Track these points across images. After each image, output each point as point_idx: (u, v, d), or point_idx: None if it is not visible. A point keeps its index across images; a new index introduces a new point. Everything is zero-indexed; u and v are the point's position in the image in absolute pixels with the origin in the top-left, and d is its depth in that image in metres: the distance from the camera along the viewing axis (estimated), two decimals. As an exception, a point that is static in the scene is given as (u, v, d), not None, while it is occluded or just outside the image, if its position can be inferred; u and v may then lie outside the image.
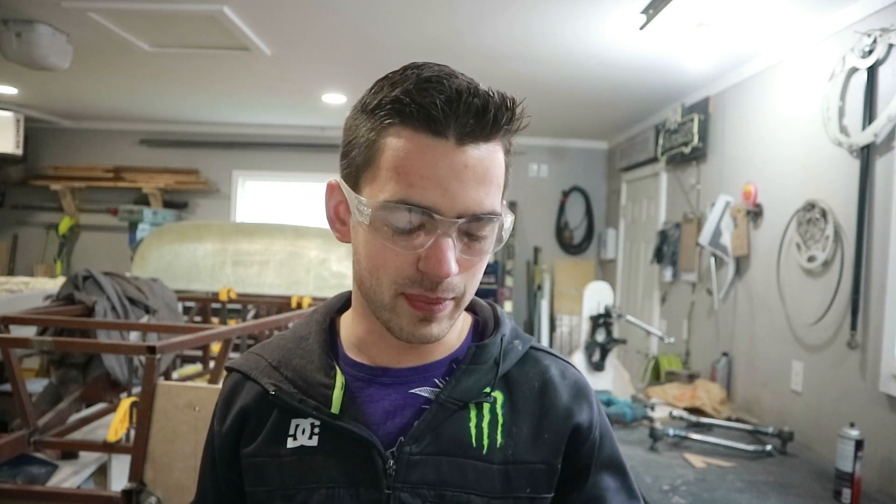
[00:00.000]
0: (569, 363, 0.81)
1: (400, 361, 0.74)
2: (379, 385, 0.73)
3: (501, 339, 0.76)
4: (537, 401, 0.75)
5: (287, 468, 0.71)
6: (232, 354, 2.34)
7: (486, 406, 0.73)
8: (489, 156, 0.65)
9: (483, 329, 0.79)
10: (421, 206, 0.63)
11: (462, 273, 0.66)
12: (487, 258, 0.70)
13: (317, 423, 0.72)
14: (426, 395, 0.73)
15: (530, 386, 0.76)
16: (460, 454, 0.70)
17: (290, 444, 0.72)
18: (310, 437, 0.72)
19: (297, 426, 0.72)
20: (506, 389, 0.75)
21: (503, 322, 0.79)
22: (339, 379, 0.72)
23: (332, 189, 0.73)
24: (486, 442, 0.71)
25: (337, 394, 0.71)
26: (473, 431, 0.71)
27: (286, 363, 0.75)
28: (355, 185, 0.68)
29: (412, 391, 0.73)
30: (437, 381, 0.73)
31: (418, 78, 0.64)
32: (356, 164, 0.68)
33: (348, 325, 0.78)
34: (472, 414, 0.72)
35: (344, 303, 0.82)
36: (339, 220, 0.73)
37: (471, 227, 0.65)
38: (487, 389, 0.73)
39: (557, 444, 0.74)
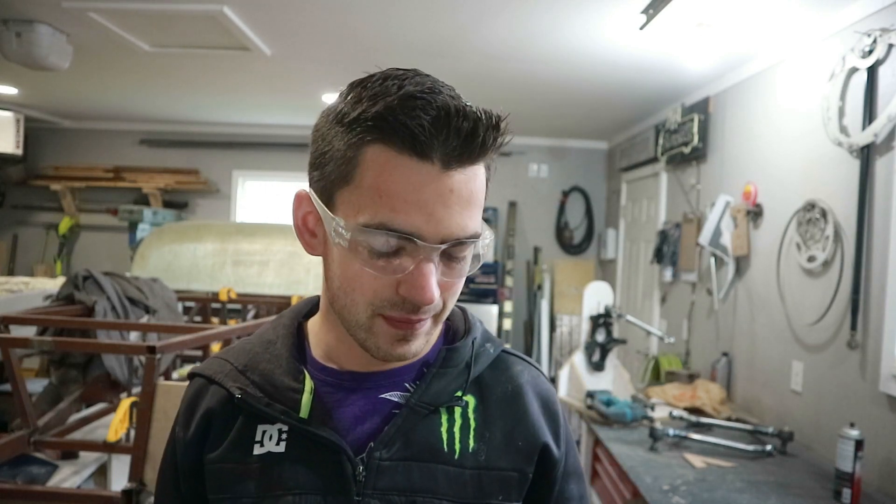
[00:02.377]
0: (540, 371, 0.81)
1: (369, 366, 0.72)
2: (348, 390, 0.72)
3: (473, 343, 0.76)
4: (510, 405, 0.75)
5: (253, 475, 0.69)
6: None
7: (458, 410, 0.72)
8: (474, 178, 0.63)
9: (454, 333, 0.78)
10: (404, 232, 0.60)
11: (443, 294, 0.66)
12: (464, 276, 0.68)
13: (284, 428, 0.70)
14: (396, 399, 0.71)
15: (503, 389, 0.75)
16: (431, 459, 0.69)
17: (257, 450, 0.70)
18: (277, 444, 0.70)
19: (263, 432, 0.70)
20: (478, 393, 0.74)
21: (474, 325, 0.78)
22: (308, 383, 0.70)
23: (300, 199, 0.69)
24: (457, 447, 0.70)
25: (306, 398, 0.69)
26: (445, 436, 0.71)
27: (253, 367, 0.73)
28: (329, 201, 0.65)
29: (382, 396, 0.72)
30: (407, 385, 0.72)
31: (401, 92, 0.60)
32: (330, 179, 0.64)
33: (316, 331, 0.76)
34: (444, 418, 0.71)
35: (311, 307, 0.80)
36: (309, 231, 0.70)
37: (453, 250, 0.64)
38: (459, 393, 0.72)
39: (530, 454, 0.73)
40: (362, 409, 0.71)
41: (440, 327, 0.70)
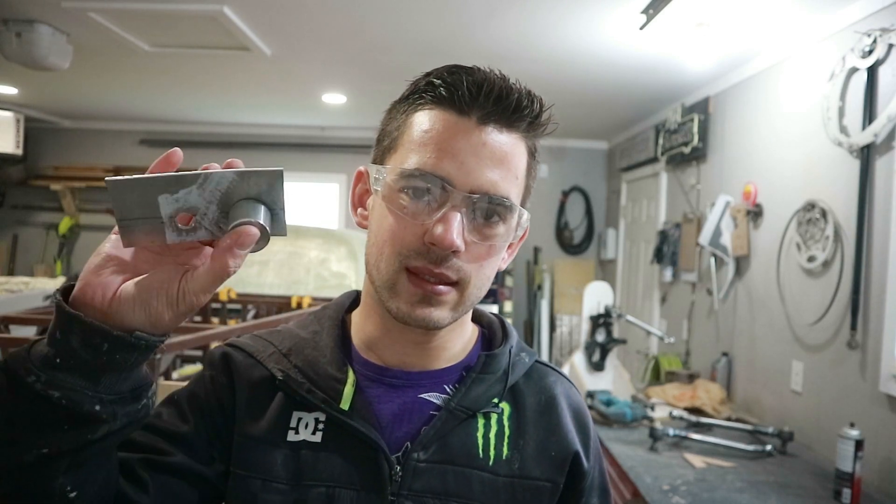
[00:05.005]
0: (571, 383, 0.82)
1: (410, 363, 0.73)
2: (388, 386, 0.72)
3: (510, 351, 0.76)
4: (543, 416, 0.75)
5: (286, 462, 0.69)
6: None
7: (494, 416, 0.73)
8: (510, 143, 0.67)
9: (490, 340, 0.80)
10: (435, 176, 0.64)
11: (469, 260, 0.66)
12: (498, 255, 0.69)
13: (321, 418, 0.70)
14: (436, 401, 0.72)
15: (536, 399, 0.76)
16: (467, 464, 0.70)
17: (292, 436, 0.70)
18: (313, 433, 0.70)
19: (299, 419, 0.70)
20: (512, 401, 0.75)
21: (511, 334, 0.79)
22: (351, 376, 0.71)
23: (360, 176, 0.75)
24: (492, 453, 0.71)
25: (348, 390, 0.70)
26: (480, 442, 0.71)
27: (297, 352, 0.73)
28: (380, 165, 0.70)
29: (421, 396, 0.72)
30: (446, 387, 0.73)
31: (453, 65, 0.68)
32: (384, 147, 0.71)
33: (358, 322, 0.77)
34: (480, 424, 0.72)
35: (353, 301, 0.81)
36: (362, 205, 0.74)
37: (484, 209, 0.65)
38: (496, 400, 0.73)
39: (562, 464, 0.74)
40: (401, 408, 0.71)
41: (466, 308, 0.69)
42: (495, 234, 0.67)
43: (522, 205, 0.71)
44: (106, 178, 0.51)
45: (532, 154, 0.71)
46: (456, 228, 0.63)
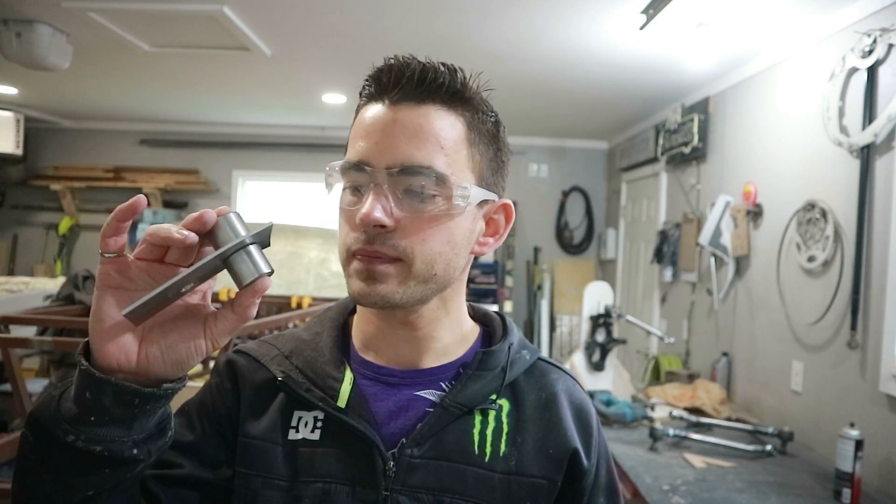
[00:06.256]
0: (576, 381, 0.82)
1: (404, 359, 0.74)
2: (385, 384, 0.73)
3: (509, 348, 0.77)
4: (543, 413, 0.75)
5: (286, 459, 0.71)
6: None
7: (492, 413, 0.73)
8: (425, 115, 0.67)
9: (491, 338, 0.80)
10: (356, 162, 0.67)
11: (405, 235, 0.66)
12: (442, 227, 0.67)
13: (320, 416, 0.72)
14: (431, 398, 0.73)
15: (537, 396, 0.76)
16: (461, 461, 0.70)
17: (292, 435, 0.72)
18: (312, 431, 0.71)
19: (299, 418, 0.72)
20: (512, 398, 0.75)
21: (511, 331, 0.79)
22: (349, 374, 0.73)
23: None
24: (488, 450, 0.71)
25: (345, 388, 0.71)
26: (476, 438, 0.72)
27: (298, 353, 0.75)
28: None
29: (417, 393, 0.73)
30: (443, 384, 0.74)
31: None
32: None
33: (357, 323, 0.79)
34: (477, 420, 0.72)
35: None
36: None
37: (406, 182, 0.66)
38: (493, 396, 0.73)
39: (560, 462, 0.73)
40: (397, 405, 0.72)
41: (421, 284, 0.68)
42: (428, 207, 0.66)
43: (482, 181, 0.70)
44: (124, 313, 0.54)
45: (473, 126, 0.69)
46: (375, 204, 0.65)
